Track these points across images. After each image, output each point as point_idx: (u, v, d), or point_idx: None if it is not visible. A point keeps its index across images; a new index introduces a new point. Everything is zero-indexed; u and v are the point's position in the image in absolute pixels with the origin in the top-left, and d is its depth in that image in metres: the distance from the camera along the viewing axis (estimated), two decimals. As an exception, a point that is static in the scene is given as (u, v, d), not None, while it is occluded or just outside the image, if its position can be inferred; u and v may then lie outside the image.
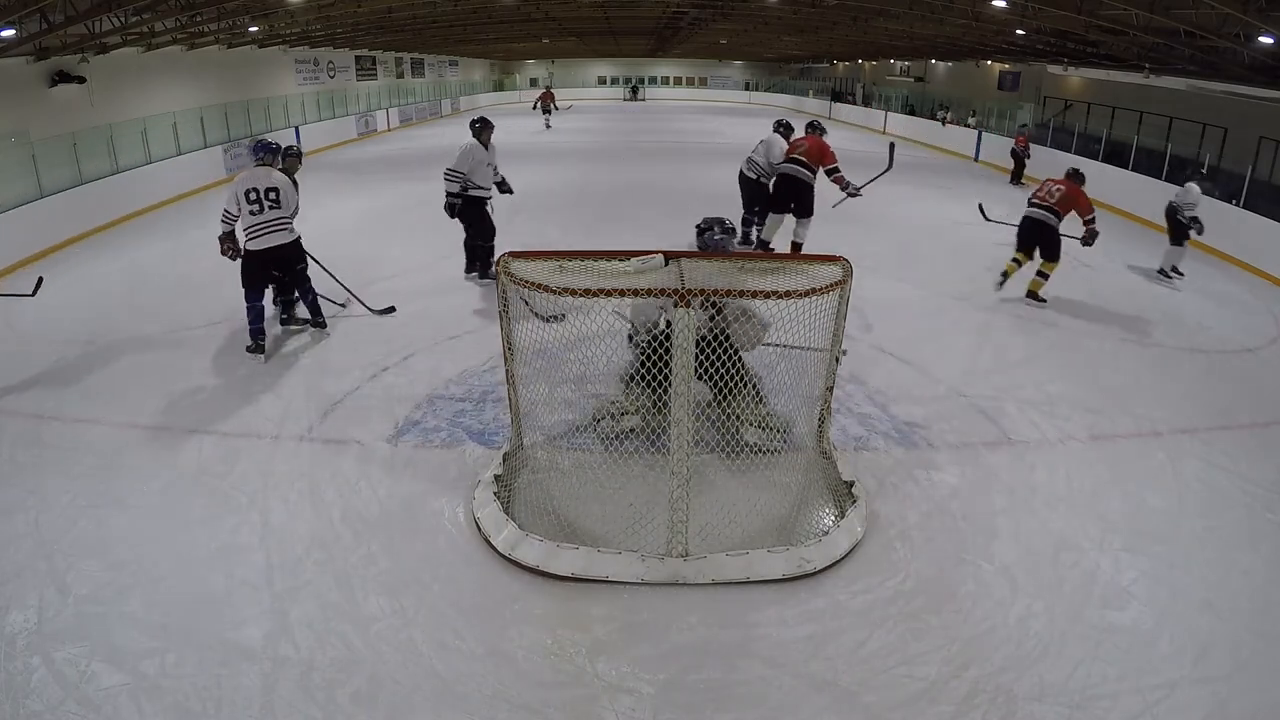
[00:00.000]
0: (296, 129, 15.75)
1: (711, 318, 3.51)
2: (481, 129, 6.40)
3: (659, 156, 15.34)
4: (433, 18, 16.95)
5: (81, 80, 10.61)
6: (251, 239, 5.05)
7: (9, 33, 8.49)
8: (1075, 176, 6.25)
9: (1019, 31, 13.14)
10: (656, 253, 3.22)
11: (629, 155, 15.62)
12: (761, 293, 3.09)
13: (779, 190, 7.11)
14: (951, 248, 8.26)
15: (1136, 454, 4.15)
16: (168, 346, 5.46)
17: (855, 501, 3.44)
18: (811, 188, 7.00)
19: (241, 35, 14.00)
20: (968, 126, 17.73)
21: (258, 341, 5.10)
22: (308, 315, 5.62)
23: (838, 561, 3.15)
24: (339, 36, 17.97)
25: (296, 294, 5.57)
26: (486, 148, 6.39)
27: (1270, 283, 7.64)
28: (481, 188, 6.44)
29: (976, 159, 16.21)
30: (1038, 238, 6.10)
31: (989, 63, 19.20)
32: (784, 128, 7.57)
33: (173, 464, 3.90)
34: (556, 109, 21.95)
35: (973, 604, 2.97)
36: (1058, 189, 6.05)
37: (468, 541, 3.30)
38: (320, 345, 5.40)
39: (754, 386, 3.83)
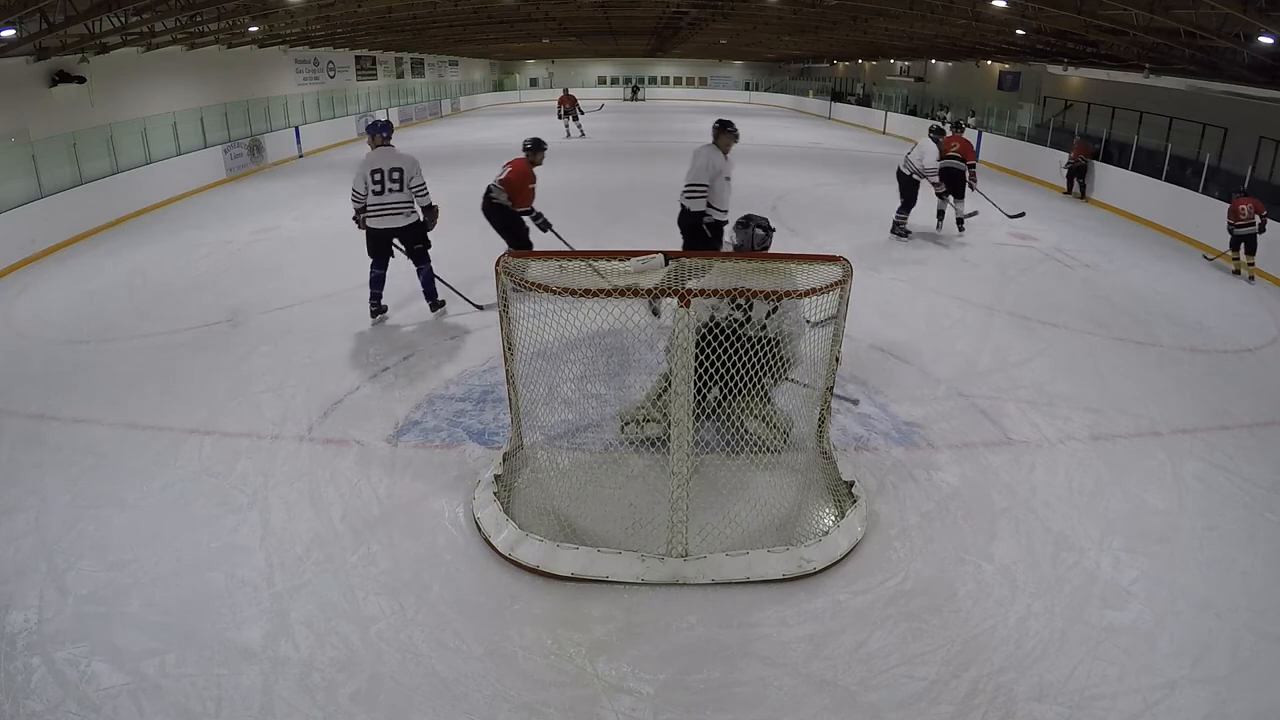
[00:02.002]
0: (296, 129, 15.75)
1: (764, 314, 3.51)
2: (721, 133, 5.36)
3: (659, 156, 15.32)
4: (433, 18, 16.94)
5: (81, 80, 10.61)
6: (372, 217, 5.45)
7: (9, 33, 8.49)
8: (1254, 193, 7.99)
9: (1019, 31, 13.13)
10: (656, 253, 3.22)
11: (629, 155, 15.61)
12: (762, 293, 3.09)
13: (945, 180, 8.61)
14: (952, 247, 8.26)
15: (1136, 454, 4.14)
16: (168, 346, 5.46)
17: (855, 501, 3.44)
18: (964, 174, 8.78)
19: (241, 35, 13.99)
20: (968, 126, 17.72)
21: (372, 306, 5.77)
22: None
23: (838, 561, 3.15)
24: (339, 36, 17.97)
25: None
26: (726, 155, 5.41)
27: (1270, 283, 7.64)
28: (721, 210, 5.46)
29: (977, 159, 16.20)
30: (1246, 242, 7.73)
31: (989, 63, 19.19)
32: (937, 132, 8.61)
33: (173, 464, 3.90)
34: (583, 113, 18.53)
35: (973, 604, 2.97)
36: (1250, 205, 7.64)
37: (468, 541, 3.30)
38: (320, 345, 5.39)
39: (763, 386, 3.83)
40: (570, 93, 18.99)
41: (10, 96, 9.54)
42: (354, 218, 5.52)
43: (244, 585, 3.02)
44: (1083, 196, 11.89)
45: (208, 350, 5.35)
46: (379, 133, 5.52)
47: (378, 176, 5.37)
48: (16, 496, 3.61)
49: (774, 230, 4.15)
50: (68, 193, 8.91)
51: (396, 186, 5.39)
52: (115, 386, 4.79)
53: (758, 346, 3.29)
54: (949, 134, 9.00)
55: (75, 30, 9.55)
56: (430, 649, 2.72)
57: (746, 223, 4.12)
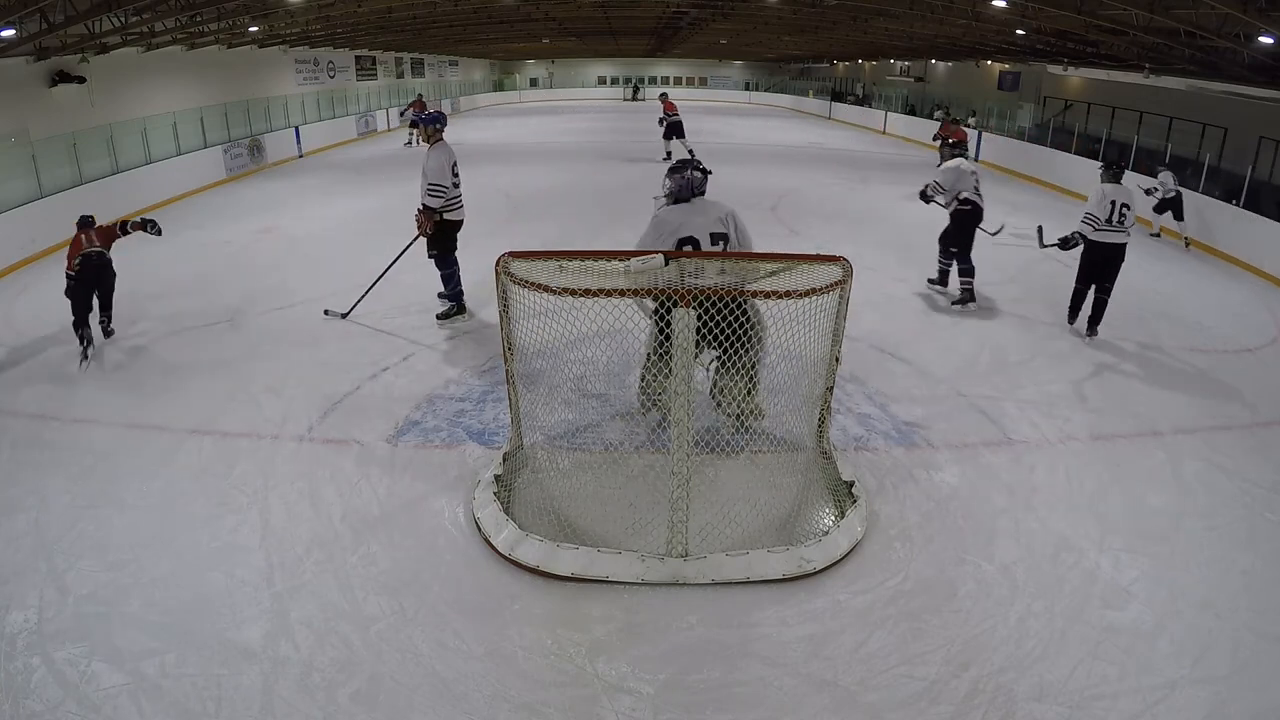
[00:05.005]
0: (296, 129, 15.75)
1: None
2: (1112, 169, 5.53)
3: (659, 156, 15.32)
4: (433, 18, 16.93)
5: (81, 80, 10.61)
6: (454, 210, 5.56)
7: (9, 33, 8.49)
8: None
9: (1019, 31, 13.13)
10: (656, 253, 3.22)
11: (629, 155, 15.61)
12: (762, 293, 3.09)
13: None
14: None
15: (1136, 454, 4.14)
16: (168, 346, 5.46)
17: (855, 501, 3.44)
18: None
19: (241, 35, 13.99)
20: (968, 126, 17.72)
21: (461, 303, 5.85)
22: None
23: (838, 561, 3.15)
24: (339, 36, 17.97)
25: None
26: None
27: (1270, 283, 7.64)
28: None
29: (976, 159, 16.21)
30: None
31: (989, 63, 19.20)
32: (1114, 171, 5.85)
33: (173, 464, 3.90)
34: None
35: (973, 604, 2.97)
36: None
37: (468, 541, 3.30)
38: (320, 345, 5.40)
39: (752, 372, 3.78)
40: (422, 98, 18.13)
41: (10, 96, 9.53)
42: (435, 214, 5.43)
43: (244, 585, 3.02)
44: None
45: (208, 350, 5.35)
46: (443, 123, 5.67)
47: (455, 169, 5.50)
48: (16, 496, 3.61)
49: (710, 173, 3.95)
50: (68, 193, 8.89)
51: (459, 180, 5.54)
52: (115, 386, 4.79)
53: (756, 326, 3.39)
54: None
55: (75, 30, 9.55)
56: (430, 649, 2.72)
57: (682, 167, 3.86)
